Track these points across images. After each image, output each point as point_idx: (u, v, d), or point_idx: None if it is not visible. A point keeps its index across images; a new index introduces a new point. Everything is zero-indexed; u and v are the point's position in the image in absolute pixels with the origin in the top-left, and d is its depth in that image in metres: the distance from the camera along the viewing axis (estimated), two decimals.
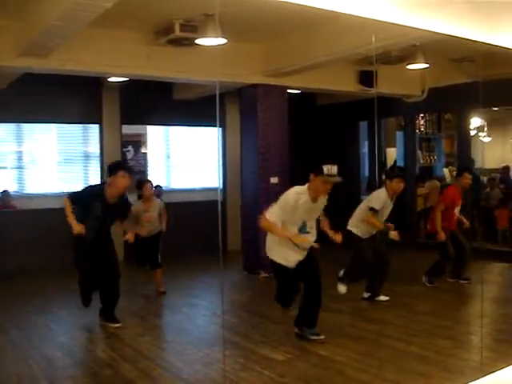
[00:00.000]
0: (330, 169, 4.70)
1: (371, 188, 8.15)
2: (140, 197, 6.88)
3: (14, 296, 6.87)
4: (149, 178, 9.94)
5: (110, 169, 5.41)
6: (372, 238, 6.12)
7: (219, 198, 9.53)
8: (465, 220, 7.09)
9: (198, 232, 9.19)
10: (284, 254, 4.85)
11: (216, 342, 5.03)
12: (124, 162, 5.69)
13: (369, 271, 6.18)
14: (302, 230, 4.80)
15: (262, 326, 5.59)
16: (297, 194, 4.75)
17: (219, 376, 4.26)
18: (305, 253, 4.87)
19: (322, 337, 4.93)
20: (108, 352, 4.90)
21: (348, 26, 5.47)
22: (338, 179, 4.71)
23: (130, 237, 5.72)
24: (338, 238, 4.93)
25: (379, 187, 6.37)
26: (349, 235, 5.99)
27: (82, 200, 5.35)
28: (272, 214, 4.72)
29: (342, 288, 6.16)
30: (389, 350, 4.73)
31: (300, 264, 4.87)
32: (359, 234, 6.10)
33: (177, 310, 6.45)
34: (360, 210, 6.17)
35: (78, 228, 5.15)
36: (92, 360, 4.84)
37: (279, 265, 4.90)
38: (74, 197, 5.40)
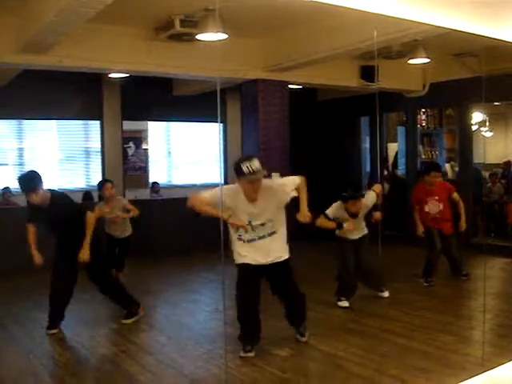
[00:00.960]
0: (250, 166, 4.31)
1: (372, 184, 8.12)
2: (100, 198, 6.90)
3: (15, 292, 6.89)
4: (150, 173, 9.98)
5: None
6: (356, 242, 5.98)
7: (221, 194, 9.50)
8: (463, 223, 6.90)
9: (199, 228, 9.17)
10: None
11: (217, 337, 5.03)
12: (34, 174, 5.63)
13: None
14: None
15: (264, 321, 5.58)
16: (230, 189, 4.54)
17: (221, 372, 4.26)
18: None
19: (305, 339, 4.83)
20: (109, 347, 4.91)
21: (349, 21, 5.47)
22: (260, 175, 4.34)
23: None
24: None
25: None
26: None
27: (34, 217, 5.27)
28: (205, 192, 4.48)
29: (343, 304, 5.91)
30: (390, 346, 4.72)
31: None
32: (342, 236, 5.93)
33: (178, 306, 6.45)
34: None
35: (37, 259, 5.20)
36: (93, 355, 4.84)
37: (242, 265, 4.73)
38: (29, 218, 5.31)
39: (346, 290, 5.98)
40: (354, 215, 5.84)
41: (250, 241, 4.64)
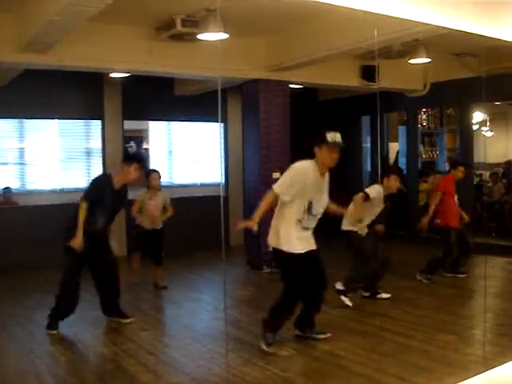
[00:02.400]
0: (334, 136, 4.43)
1: (373, 183, 8.12)
2: (148, 187, 6.84)
3: (16, 292, 6.89)
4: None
5: (127, 158, 5.45)
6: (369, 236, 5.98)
7: (221, 193, 9.52)
8: (465, 215, 7.10)
9: (200, 227, 9.19)
10: (294, 239, 4.50)
11: (218, 336, 5.04)
12: (141, 156, 5.66)
13: (371, 271, 6.07)
14: (309, 212, 4.46)
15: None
16: (304, 167, 4.47)
17: (222, 371, 4.27)
18: (312, 241, 4.61)
19: (329, 334, 4.87)
20: (110, 347, 4.91)
21: (350, 20, 5.46)
22: (342, 145, 4.46)
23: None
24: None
25: (381, 182, 6.32)
26: (346, 236, 5.93)
27: (95, 193, 5.19)
28: (279, 185, 4.44)
29: (347, 301, 5.87)
30: (391, 345, 4.73)
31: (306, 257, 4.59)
32: (359, 232, 5.91)
33: (179, 305, 6.46)
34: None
35: (77, 244, 5.01)
36: (94, 355, 4.86)
37: (290, 255, 4.53)
38: (88, 195, 5.17)
39: (355, 283, 5.99)
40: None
41: (304, 228, 4.58)
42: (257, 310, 6.02)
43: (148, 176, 6.78)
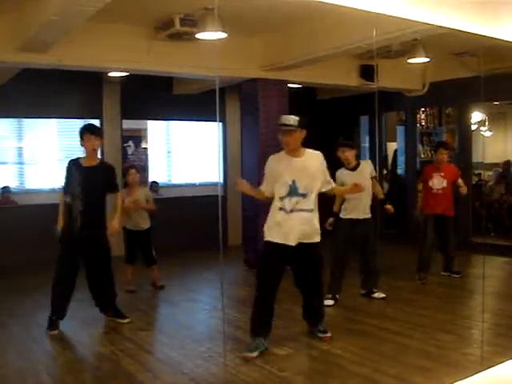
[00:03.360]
0: (285, 118, 4.58)
1: None
2: (125, 185, 6.76)
3: (14, 291, 6.88)
4: (149, 172, 9.98)
5: (79, 134, 5.33)
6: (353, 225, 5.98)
7: (220, 192, 9.51)
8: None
9: (198, 227, 9.19)
10: (283, 229, 4.49)
11: (217, 336, 5.03)
12: (91, 125, 5.60)
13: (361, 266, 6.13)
14: (293, 192, 4.48)
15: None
16: (273, 156, 4.68)
17: (220, 370, 4.27)
18: (305, 229, 4.53)
19: (329, 334, 4.87)
20: (108, 346, 4.90)
21: (349, 20, 5.46)
22: (289, 128, 4.51)
23: (113, 225, 5.44)
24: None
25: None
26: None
27: (68, 178, 5.26)
28: (263, 185, 4.67)
29: (329, 302, 5.81)
30: (389, 345, 4.73)
31: (297, 253, 4.55)
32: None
33: (177, 305, 6.45)
34: None
35: (60, 227, 5.22)
36: (92, 354, 4.85)
37: (272, 245, 4.54)
38: (64, 183, 5.30)
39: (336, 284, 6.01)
40: (352, 169, 5.95)
41: (292, 211, 4.57)
42: None
43: (125, 173, 6.80)
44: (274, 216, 4.55)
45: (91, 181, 5.22)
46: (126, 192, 6.61)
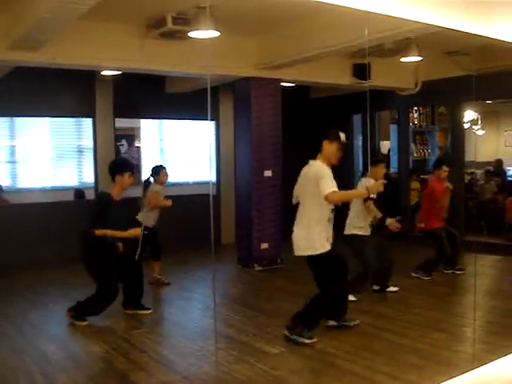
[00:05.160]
0: (343, 136, 4.72)
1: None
2: (150, 182, 6.94)
3: (8, 290, 6.84)
4: (143, 171, 9.95)
5: (118, 168, 5.48)
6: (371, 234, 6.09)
7: (211, 191, 9.50)
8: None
9: (191, 225, 9.16)
10: (324, 238, 4.65)
11: (209, 334, 5.03)
12: (129, 162, 5.80)
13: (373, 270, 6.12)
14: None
15: (256, 319, 5.60)
16: (325, 165, 4.66)
17: (212, 369, 4.27)
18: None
19: (357, 321, 5.09)
20: (101, 345, 4.89)
21: (342, 19, 5.46)
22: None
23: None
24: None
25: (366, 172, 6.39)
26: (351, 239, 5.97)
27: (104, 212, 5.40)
28: (332, 187, 4.54)
29: (352, 297, 5.76)
30: (382, 343, 4.75)
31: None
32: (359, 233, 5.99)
33: (171, 303, 6.45)
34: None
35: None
36: (85, 353, 4.83)
37: (326, 254, 4.66)
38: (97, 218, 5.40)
39: (360, 284, 6.01)
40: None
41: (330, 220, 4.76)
42: (247, 308, 6.04)
43: (159, 172, 6.93)
44: (326, 227, 4.66)
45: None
46: (159, 190, 6.84)
